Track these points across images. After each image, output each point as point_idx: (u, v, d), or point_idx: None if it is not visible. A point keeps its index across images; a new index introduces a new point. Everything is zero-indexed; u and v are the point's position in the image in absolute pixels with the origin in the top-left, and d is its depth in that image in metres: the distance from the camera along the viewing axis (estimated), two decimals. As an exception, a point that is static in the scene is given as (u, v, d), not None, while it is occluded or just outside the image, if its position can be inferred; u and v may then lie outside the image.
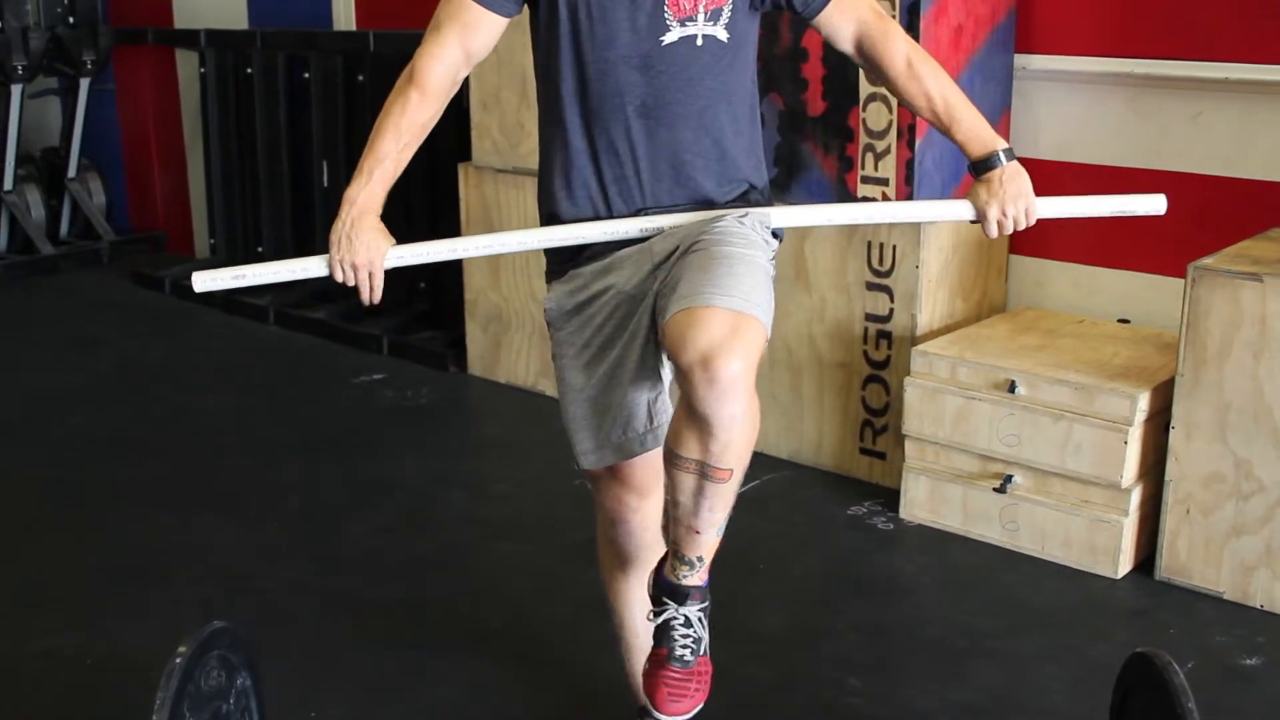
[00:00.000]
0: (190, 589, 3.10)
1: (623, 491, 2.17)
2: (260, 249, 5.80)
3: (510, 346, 4.53)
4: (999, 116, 3.71)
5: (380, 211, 2.09)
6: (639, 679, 2.26)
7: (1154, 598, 3.13)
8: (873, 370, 3.66)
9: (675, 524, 2.04)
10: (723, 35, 2.03)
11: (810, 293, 3.70)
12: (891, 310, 3.58)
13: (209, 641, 2.04)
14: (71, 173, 6.34)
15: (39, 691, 2.72)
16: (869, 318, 3.62)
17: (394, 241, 2.11)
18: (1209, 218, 3.44)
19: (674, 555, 2.08)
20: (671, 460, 1.96)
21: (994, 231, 2.11)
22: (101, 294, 5.85)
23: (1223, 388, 2.99)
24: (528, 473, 3.78)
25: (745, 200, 2.15)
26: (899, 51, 2.08)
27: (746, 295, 1.88)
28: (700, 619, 2.08)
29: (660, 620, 2.08)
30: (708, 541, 2.03)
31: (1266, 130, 3.40)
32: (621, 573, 2.22)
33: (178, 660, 1.94)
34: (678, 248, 2.05)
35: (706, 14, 2.01)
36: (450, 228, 4.60)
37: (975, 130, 2.09)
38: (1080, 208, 2.32)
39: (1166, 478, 3.12)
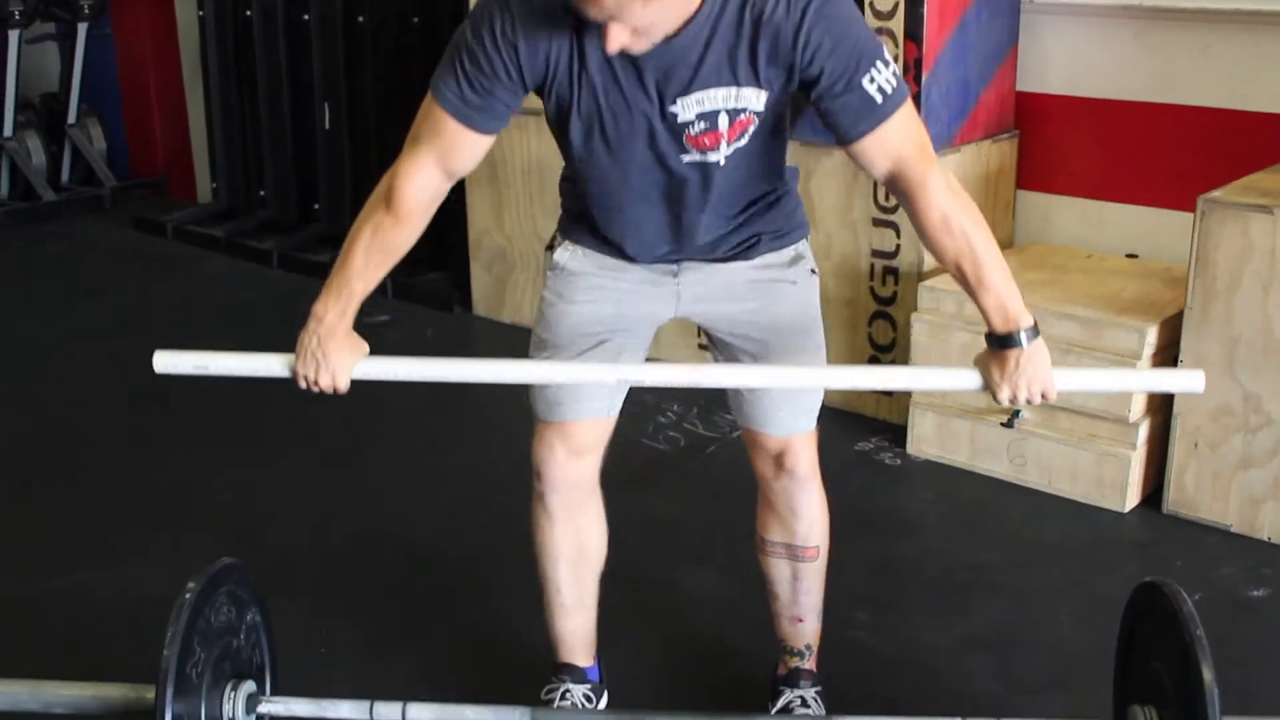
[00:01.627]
0: (201, 529, 3.11)
1: (560, 445, 2.15)
2: (262, 192, 5.77)
3: (515, 286, 4.51)
4: (1006, 52, 3.67)
5: (350, 326, 1.99)
6: (558, 633, 2.34)
7: (1161, 531, 3.13)
8: (879, 307, 3.64)
9: (778, 619, 2.33)
10: (745, 143, 1.92)
11: (816, 229, 3.67)
12: (898, 246, 3.56)
13: (218, 577, 2.05)
14: (71, 118, 6.30)
15: (53, 629, 2.73)
16: (875, 254, 3.60)
17: (366, 350, 2.02)
18: (1218, 151, 3.41)
19: (784, 651, 2.35)
20: (763, 549, 2.28)
21: (1004, 403, 1.95)
22: (104, 239, 5.83)
23: (1231, 321, 2.98)
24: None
25: (782, 245, 2.12)
26: (935, 204, 1.84)
27: (812, 409, 2.16)
28: (816, 698, 2.33)
29: (781, 705, 2.33)
30: (810, 629, 2.32)
31: (1276, 62, 3.36)
32: (547, 525, 2.21)
33: (187, 595, 1.95)
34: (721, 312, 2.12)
35: (729, 144, 1.90)
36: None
37: (1002, 301, 1.86)
38: (1107, 383, 2.27)
39: (1174, 411, 3.12)
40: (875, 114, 1.81)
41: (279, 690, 2.24)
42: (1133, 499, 3.21)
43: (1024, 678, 2.55)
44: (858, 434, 3.59)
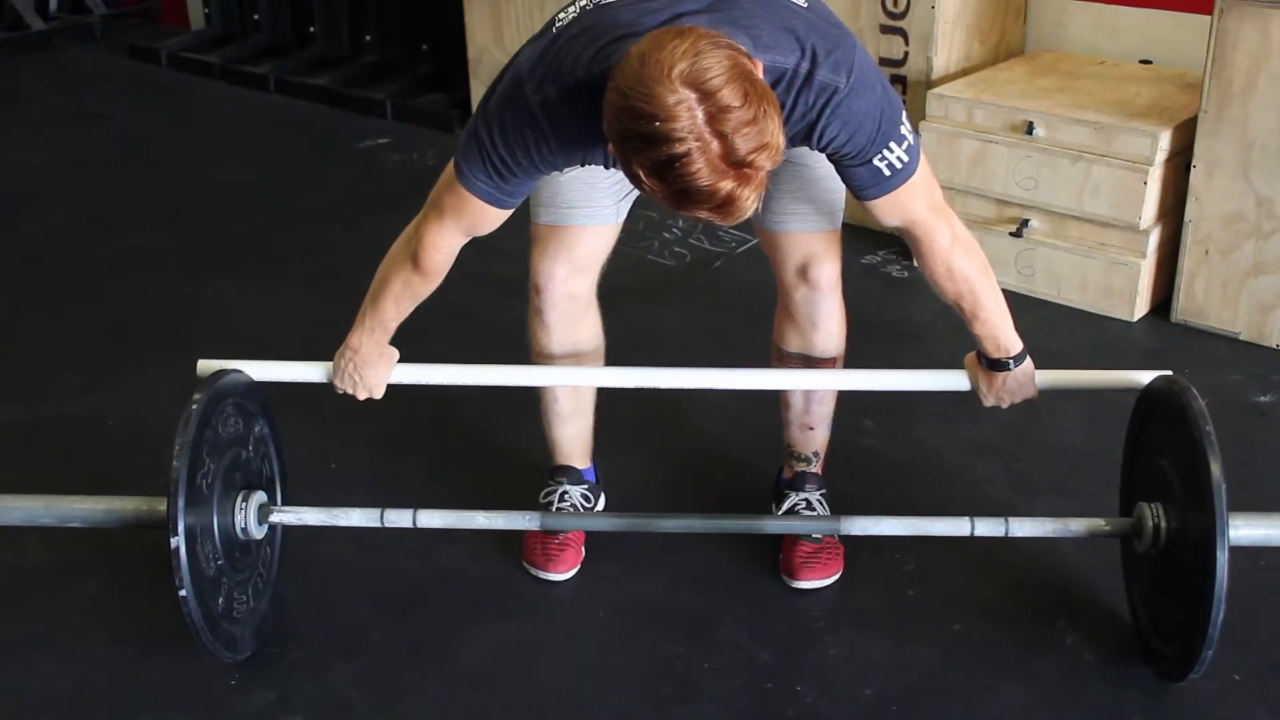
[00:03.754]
0: (206, 352, 3.08)
1: (564, 257, 2.13)
2: (256, 16, 5.64)
3: (516, 107, 4.43)
4: None
5: (384, 349, 2.13)
6: (555, 439, 2.37)
7: (1170, 339, 3.12)
8: (887, 118, 3.57)
9: (789, 427, 2.33)
10: None
11: (823, 39, 3.59)
12: (906, 54, 3.48)
13: (224, 389, 2.05)
14: (58, -57, 6.14)
15: (63, 449, 2.75)
16: (883, 62, 3.52)
17: (396, 356, 2.15)
18: (1238, -52, 3.30)
19: (791, 457, 2.36)
20: (779, 358, 2.27)
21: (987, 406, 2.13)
22: (97, 68, 5.71)
23: (1247, 124, 2.92)
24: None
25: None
26: (939, 258, 1.95)
27: (834, 208, 2.13)
28: (820, 500, 2.36)
29: (786, 507, 2.36)
30: (820, 437, 2.34)
31: None
32: (545, 338, 2.21)
33: (193, 407, 1.95)
34: None
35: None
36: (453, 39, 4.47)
37: (993, 330, 2.03)
38: (1081, 381, 2.30)
39: (1186, 218, 3.08)
40: (885, 185, 1.84)
41: (289, 501, 2.26)
42: (1141, 308, 3.20)
43: (1031, 480, 2.57)
44: (864, 247, 3.56)
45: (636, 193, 2.16)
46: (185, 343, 3.18)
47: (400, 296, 2.03)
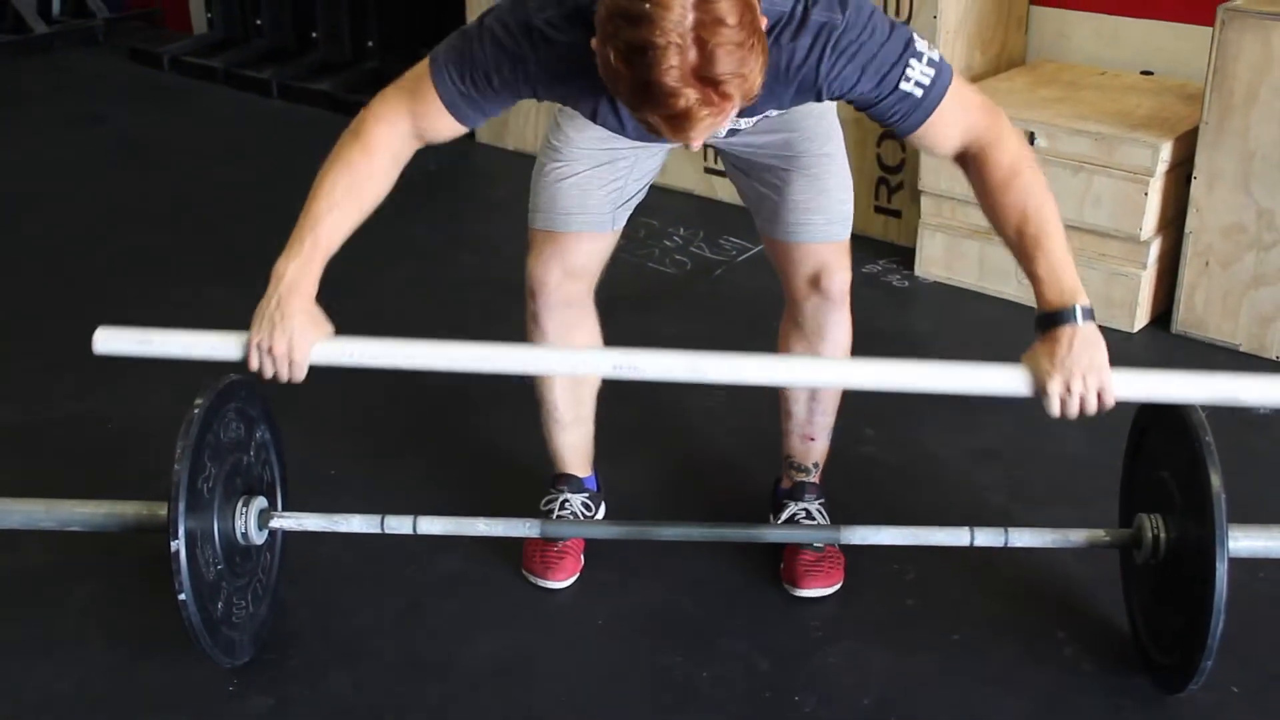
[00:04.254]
0: (206, 356, 3.11)
1: (558, 263, 2.13)
2: (258, 21, 5.65)
3: (518, 111, 4.44)
4: None
5: (314, 291, 1.86)
6: (555, 447, 2.36)
7: (1170, 351, 3.13)
8: (888, 127, 3.57)
9: (789, 436, 2.31)
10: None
11: (825, 48, 3.60)
12: (908, 64, 3.48)
13: (226, 393, 2.05)
14: (61, -52, 6.15)
15: (65, 451, 2.75)
16: (885, 72, 3.53)
17: (330, 329, 1.88)
18: (1240, -40, 3.31)
19: (790, 467, 2.35)
20: None
21: (1056, 411, 1.74)
22: (99, 72, 5.72)
23: (1248, 135, 2.92)
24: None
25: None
26: (1005, 159, 1.75)
27: (845, 217, 2.10)
28: (820, 509, 2.34)
29: (786, 516, 2.34)
30: (820, 448, 2.32)
31: None
32: (542, 344, 2.20)
33: (196, 411, 1.95)
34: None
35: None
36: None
37: (1057, 271, 1.73)
38: (1173, 388, 1.84)
39: (1186, 229, 3.08)
40: (923, 107, 1.72)
41: (290, 507, 2.26)
42: (1142, 319, 3.20)
43: (1031, 490, 2.57)
44: (865, 256, 3.56)
45: (636, 200, 2.17)
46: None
47: (336, 183, 1.84)
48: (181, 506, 1.87)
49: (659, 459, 2.69)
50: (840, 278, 2.14)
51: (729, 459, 2.68)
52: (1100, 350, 1.73)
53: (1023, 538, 2.08)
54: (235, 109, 5.19)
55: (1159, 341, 3.16)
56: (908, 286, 3.44)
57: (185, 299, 3.48)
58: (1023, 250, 1.76)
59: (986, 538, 2.06)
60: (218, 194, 4.26)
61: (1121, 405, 2.17)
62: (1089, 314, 1.73)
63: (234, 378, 2.09)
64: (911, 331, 3.25)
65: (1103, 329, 3.14)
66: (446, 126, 1.83)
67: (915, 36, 1.73)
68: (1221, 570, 1.81)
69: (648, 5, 1.43)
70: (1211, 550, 1.82)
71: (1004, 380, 1.77)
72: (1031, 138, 3.16)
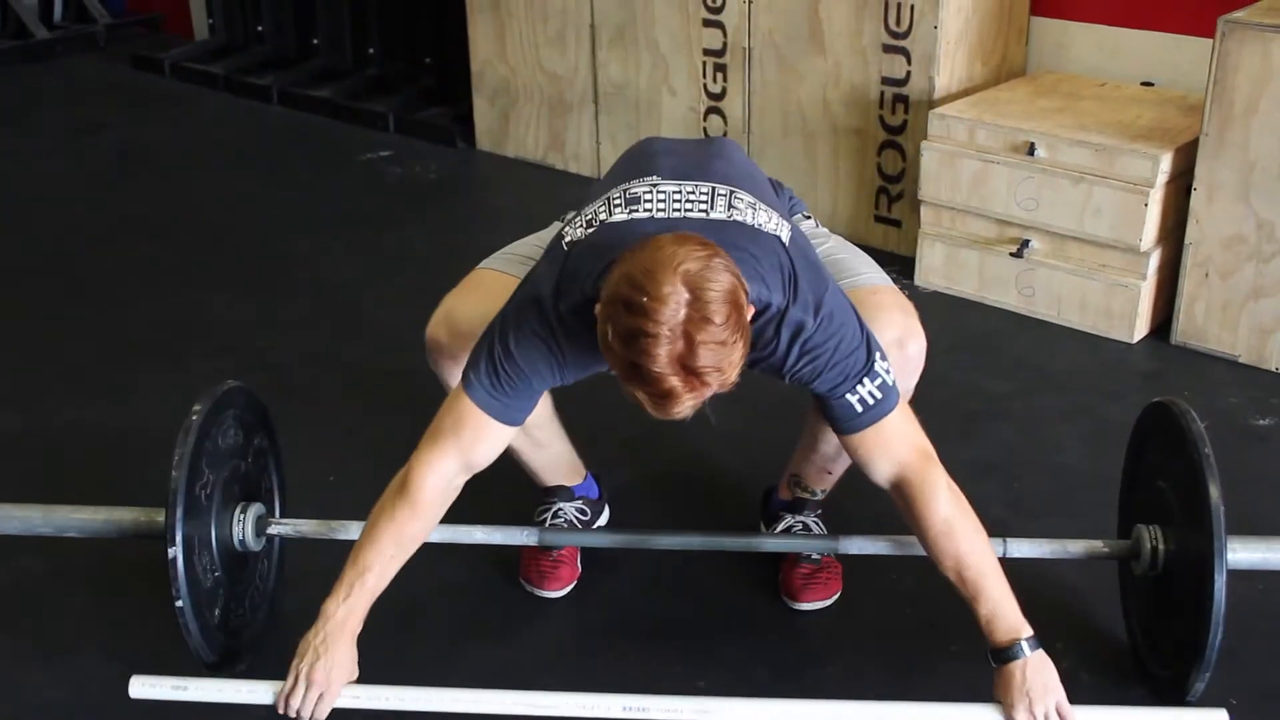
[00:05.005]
0: (207, 362, 3.11)
1: (444, 326, 2.10)
2: (260, 27, 5.65)
3: (519, 119, 4.44)
4: None
5: (357, 630, 1.90)
6: (536, 469, 2.34)
7: (1169, 361, 3.13)
8: (889, 136, 3.58)
9: (806, 463, 2.29)
10: None
11: (825, 56, 3.60)
12: (909, 73, 3.49)
13: (224, 400, 2.05)
14: (63, -47, 6.15)
15: (68, 457, 2.76)
16: (885, 81, 3.53)
17: (355, 674, 1.90)
18: (1240, -29, 3.31)
19: (797, 485, 2.33)
20: (819, 416, 2.12)
21: None
22: (100, 78, 5.72)
23: (1248, 147, 2.92)
24: (539, 247, 3.75)
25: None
26: (939, 510, 1.87)
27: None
28: (817, 522, 2.35)
29: (782, 528, 2.34)
30: (834, 480, 2.31)
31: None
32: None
33: (194, 417, 1.95)
34: None
35: None
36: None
37: (1000, 610, 1.87)
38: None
39: (1186, 240, 3.08)
40: (860, 420, 1.84)
41: (288, 514, 2.26)
42: (1141, 329, 3.20)
43: (1030, 501, 2.57)
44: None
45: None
46: (184, 353, 3.20)
47: (384, 540, 1.88)
48: (179, 513, 1.87)
49: (657, 468, 2.69)
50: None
51: (728, 468, 2.68)
52: (1052, 673, 1.86)
53: (1021, 549, 2.08)
54: (236, 115, 5.19)
55: (1159, 352, 3.16)
56: (907, 296, 3.42)
57: (185, 305, 3.48)
58: (964, 592, 1.89)
59: (985, 548, 2.06)
60: (218, 200, 4.26)
61: (1121, 416, 2.18)
62: (1034, 643, 1.87)
63: (232, 384, 2.09)
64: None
65: (1103, 339, 3.17)
66: (496, 438, 1.89)
67: (878, 358, 1.83)
68: (1220, 582, 1.81)
69: (645, 299, 1.57)
70: (1210, 562, 1.82)
71: (979, 716, 1.89)
72: (1031, 148, 3.16)
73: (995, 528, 2.38)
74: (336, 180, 4.45)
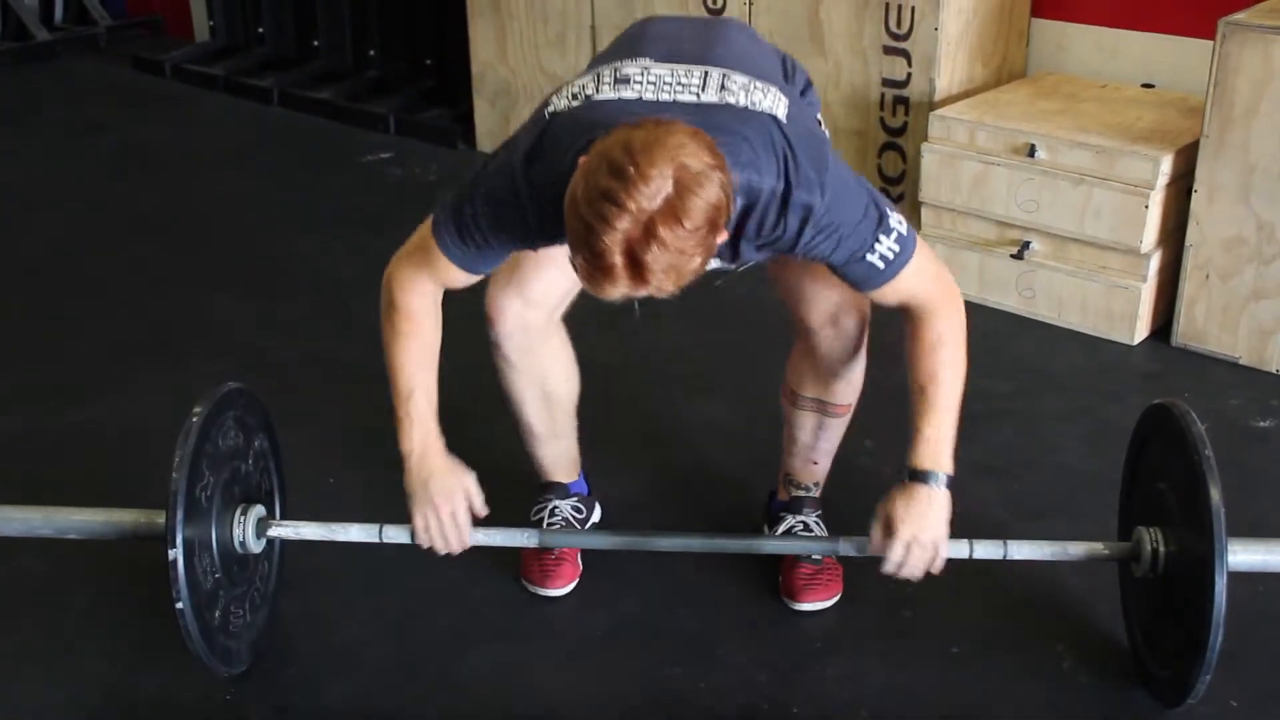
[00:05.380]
0: (208, 364, 3.10)
1: (513, 291, 2.12)
2: (260, 29, 5.65)
3: (519, 121, 4.40)
4: None
5: (442, 447, 2.00)
6: (538, 460, 2.37)
7: (1169, 363, 3.13)
8: (889, 137, 3.58)
9: (792, 458, 2.31)
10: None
11: (825, 58, 3.60)
12: (909, 75, 3.49)
13: (224, 402, 2.05)
14: (63, -46, 6.15)
15: (69, 459, 2.75)
16: (886, 83, 3.53)
17: (472, 474, 2.03)
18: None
19: (789, 484, 2.34)
20: (793, 401, 2.24)
21: (891, 568, 1.92)
22: (101, 79, 5.72)
23: (1249, 148, 2.92)
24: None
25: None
26: (936, 327, 1.89)
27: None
28: (818, 522, 2.35)
29: (783, 529, 2.33)
30: (823, 469, 2.32)
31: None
32: (507, 371, 2.21)
33: (194, 419, 1.95)
34: None
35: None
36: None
37: (939, 437, 1.89)
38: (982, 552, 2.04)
39: (1187, 242, 3.08)
40: (881, 276, 1.84)
41: (288, 516, 2.26)
42: (1142, 331, 3.20)
43: (1030, 503, 2.56)
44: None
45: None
46: (185, 355, 3.20)
47: (406, 354, 1.96)
48: (179, 515, 1.87)
49: (657, 468, 2.69)
50: (857, 319, 2.14)
51: (728, 469, 2.68)
52: (945, 517, 1.91)
53: (1022, 550, 2.08)
54: (236, 117, 5.19)
55: (1159, 354, 3.16)
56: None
57: (186, 306, 3.49)
58: (919, 406, 1.91)
59: (985, 550, 2.06)
60: (219, 201, 4.26)
61: (1121, 417, 2.18)
62: (949, 484, 1.91)
63: (232, 386, 2.09)
64: (911, 343, 3.24)
65: (1103, 341, 3.17)
66: (463, 279, 1.93)
67: (888, 211, 1.82)
68: (1220, 584, 1.81)
69: (632, 169, 1.50)
70: (1210, 564, 1.82)
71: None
72: (1032, 150, 3.16)
73: (995, 529, 2.39)
74: (337, 181, 4.45)
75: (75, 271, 3.74)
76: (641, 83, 1.77)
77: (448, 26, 4.76)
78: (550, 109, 1.79)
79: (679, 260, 1.54)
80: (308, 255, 3.80)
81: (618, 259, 1.53)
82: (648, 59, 1.82)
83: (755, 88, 1.78)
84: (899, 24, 3.45)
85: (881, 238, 1.80)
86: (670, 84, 1.77)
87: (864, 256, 1.81)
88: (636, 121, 1.58)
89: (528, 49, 4.28)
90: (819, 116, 2.11)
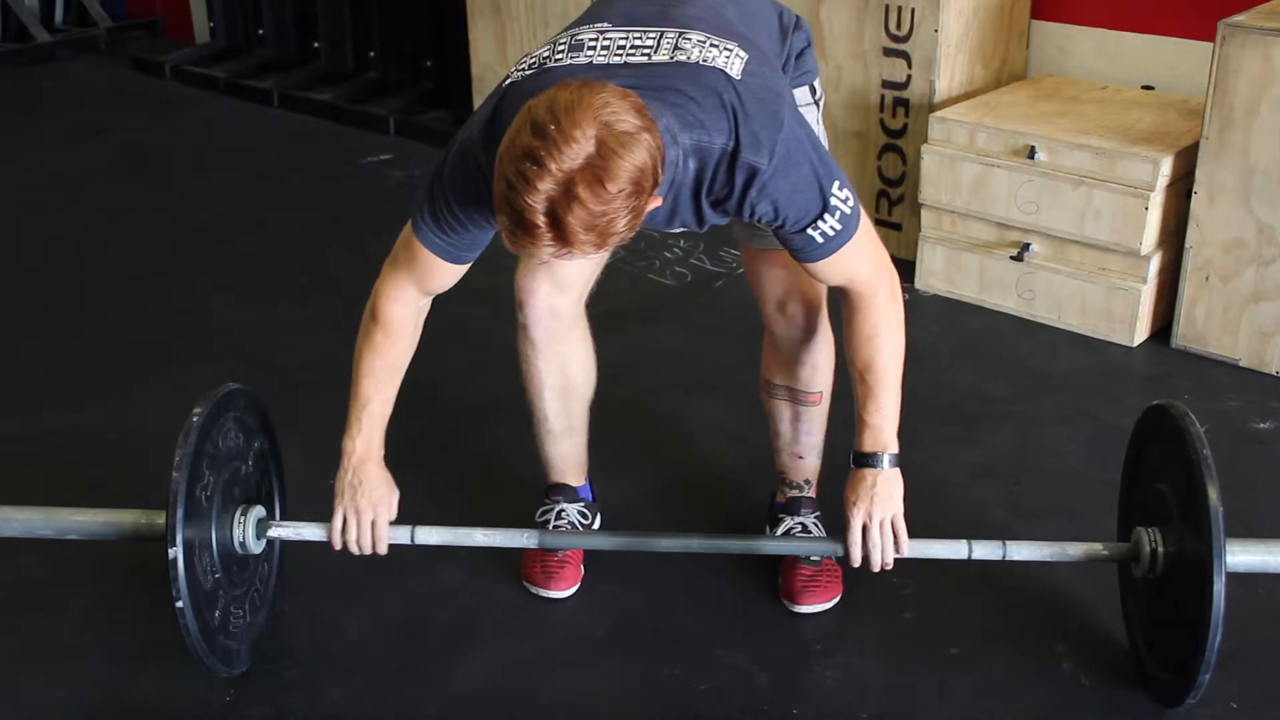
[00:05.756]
0: (207, 366, 3.10)
1: (543, 274, 2.14)
2: (260, 31, 5.66)
3: (519, 124, 4.44)
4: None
5: (381, 456, 2.04)
6: (548, 457, 2.38)
7: (1169, 365, 3.13)
8: (889, 139, 3.58)
9: (779, 454, 2.32)
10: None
11: (825, 60, 3.60)
12: (909, 77, 3.49)
13: (224, 402, 2.05)
14: (64, -44, 6.16)
15: (67, 461, 2.75)
16: (886, 85, 3.53)
17: (398, 492, 2.07)
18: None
19: (783, 483, 2.35)
20: (768, 391, 2.26)
21: (856, 554, 1.96)
22: (101, 81, 5.73)
23: (1248, 150, 2.93)
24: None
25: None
26: (871, 320, 1.91)
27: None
28: (817, 523, 2.35)
29: (782, 531, 2.34)
30: (811, 465, 2.32)
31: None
32: (532, 356, 2.23)
33: (194, 419, 1.95)
34: None
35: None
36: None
37: (881, 422, 1.93)
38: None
39: (1186, 244, 3.08)
40: (819, 250, 1.84)
41: (289, 516, 2.26)
42: (1142, 333, 3.20)
43: (1030, 504, 2.56)
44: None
45: None
46: (185, 356, 3.20)
47: (374, 369, 2.00)
48: (179, 515, 1.87)
49: (658, 470, 2.69)
50: (807, 307, 2.14)
51: (728, 471, 2.68)
52: (899, 490, 1.96)
53: (1021, 551, 2.08)
54: (237, 118, 5.20)
55: (1159, 356, 3.16)
56: (908, 299, 3.36)
57: (186, 307, 3.48)
58: (860, 393, 1.94)
59: (985, 551, 2.06)
60: (219, 203, 4.26)
61: (1121, 419, 2.18)
62: (895, 461, 1.95)
63: (233, 386, 2.09)
64: (911, 344, 3.21)
65: (1103, 343, 3.17)
66: (447, 273, 1.93)
67: (835, 186, 1.80)
68: (1219, 585, 1.81)
69: (553, 128, 1.49)
70: (1209, 565, 1.82)
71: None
72: (1032, 152, 3.16)
73: (995, 530, 2.40)
74: (337, 183, 4.45)
75: (75, 273, 3.74)
76: (595, 48, 1.76)
77: (448, 28, 4.76)
78: (508, 80, 1.79)
79: (601, 221, 1.53)
80: (308, 256, 3.80)
81: (540, 219, 1.52)
82: (606, 23, 1.81)
83: (711, 44, 1.76)
84: (899, 26, 3.45)
85: (825, 215, 1.80)
86: (625, 47, 1.75)
87: (804, 228, 1.81)
88: (577, 79, 1.58)
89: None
90: (815, 83, 2.11)
